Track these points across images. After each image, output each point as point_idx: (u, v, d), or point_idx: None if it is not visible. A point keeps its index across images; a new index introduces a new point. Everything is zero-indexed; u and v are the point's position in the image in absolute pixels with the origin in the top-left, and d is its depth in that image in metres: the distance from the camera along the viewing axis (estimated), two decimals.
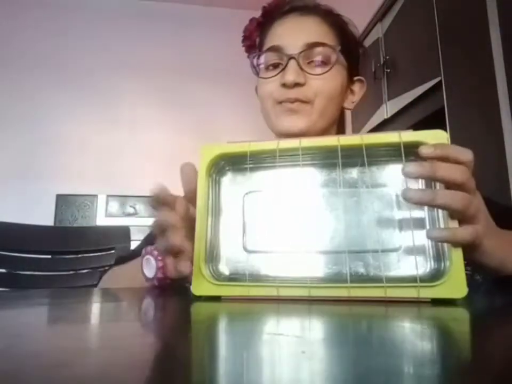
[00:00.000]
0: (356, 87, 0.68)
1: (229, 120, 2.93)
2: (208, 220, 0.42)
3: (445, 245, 0.35)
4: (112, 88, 2.89)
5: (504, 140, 1.04)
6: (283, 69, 0.59)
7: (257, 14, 0.69)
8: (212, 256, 0.42)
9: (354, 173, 0.42)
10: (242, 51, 0.71)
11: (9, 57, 2.77)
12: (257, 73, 0.64)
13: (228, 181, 0.45)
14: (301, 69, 0.59)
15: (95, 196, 2.62)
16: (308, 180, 0.43)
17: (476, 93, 1.17)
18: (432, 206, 0.35)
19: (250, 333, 0.25)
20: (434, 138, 0.37)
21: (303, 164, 0.42)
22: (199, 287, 0.38)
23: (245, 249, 0.42)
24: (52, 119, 2.77)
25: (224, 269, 0.42)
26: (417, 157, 0.37)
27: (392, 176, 0.41)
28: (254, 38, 0.67)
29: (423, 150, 0.35)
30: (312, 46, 0.59)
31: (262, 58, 0.63)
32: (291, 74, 0.58)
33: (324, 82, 0.59)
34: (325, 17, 0.63)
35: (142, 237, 0.71)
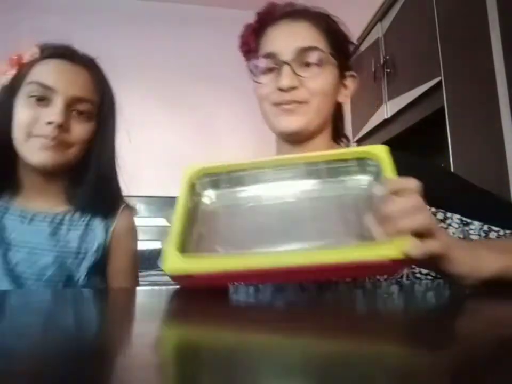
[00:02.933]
0: (349, 82, 0.71)
1: (230, 121, 2.93)
2: (186, 220, 0.45)
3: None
4: None
5: (504, 140, 1.04)
6: (277, 73, 0.64)
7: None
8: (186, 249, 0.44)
9: (316, 184, 0.48)
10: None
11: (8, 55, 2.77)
12: (254, 77, 0.69)
13: (211, 194, 0.52)
14: (295, 73, 0.63)
15: None
16: (279, 192, 0.48)
17: (476, 93, 1.17)
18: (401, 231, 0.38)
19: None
20: (378, 151, 0.45)
21: (272, 179, 0.49)
22: (169, 264, 0.39)
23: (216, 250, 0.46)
24: None
25: None
26: (364, 168, 0.47)
27: (349, 184, 0.48)
28: (251, 43, 0.71)
29: (379, 192, 0.42)
30: (304, 50, 0.63)
31: (259, 63, 0.67)
32: (286, 79, 0.62)
33: (317, 82, 0.64)
34: (315, 21, 0.66)
35: (142, 236, 0.73)
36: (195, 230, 0.47)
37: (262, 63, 0.67)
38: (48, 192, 0.76)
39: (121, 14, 3.05)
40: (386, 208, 0.39)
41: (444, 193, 0.56)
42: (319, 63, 0.64)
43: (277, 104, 0.65)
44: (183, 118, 2.95)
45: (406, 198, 0.39)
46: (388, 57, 1.73)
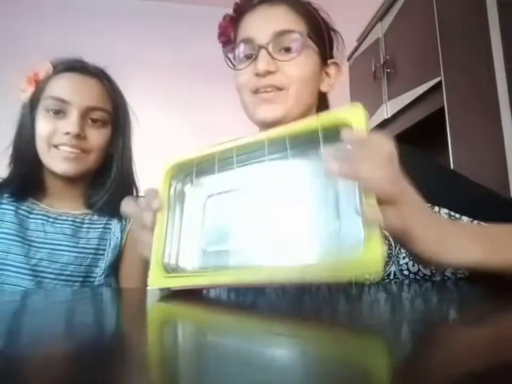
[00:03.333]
0: (332, 70, 0.68)
1: (230, 120, 2.93)
2: (168, 222, 0.47)
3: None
4: None
5: (504, 140, 1.04)
6: (255, 59, 0.61)
7: None
8: (173, 255, 0.46)
9: (301, 164, 0.42)
10: None
11: (11, 55, 2.77)
12: (233, 66, 0.67)
13: (190, 188, 0.50)
14: (272, 57, 0.60)
15: None
16: (256, 176, 0.45)
17: (476, 93, 1.17)
18: (355, 179, 0.33)
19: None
20: (352, 114, 0.37)
21: (247, 163, 0.45)
22: (155, 281, 0.44)
23: (202, 248, 0.46)
24: None
25: (185, 265, 0.47)
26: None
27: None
28: (229, 33, 0.69)
29: (345, 136, 0.35)
30: (280, 33, 0.61)
31: (236, 51, 0.65)
32: (262, 64, 0.60)
33: (296, 67, 0.61)
34: (293, 6, 0.64)
35: None
36: (182, 230, 0.48)
37: (240, 49, 0.65)
38: (70, 196, 0.81)
39: (120, 14, 3.05)
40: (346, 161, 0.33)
41: (431, 185, 0.51)
42: (298, 48, 0.61)
43: (255, 92, 0.62)
44: (182, 117, 2.95)
45: (370, 154, 0.33)
46: (388, 57, 1.73)
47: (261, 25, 0.63)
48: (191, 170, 0.49)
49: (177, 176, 0.50)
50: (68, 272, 0.74)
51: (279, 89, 0.61)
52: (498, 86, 1.06)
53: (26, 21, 2.86)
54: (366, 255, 0.31)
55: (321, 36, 0.66)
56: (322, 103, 0.71)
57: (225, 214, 0.45)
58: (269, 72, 0.60)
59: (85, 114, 0.76)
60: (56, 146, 0.75)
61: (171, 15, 3.11)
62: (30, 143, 0.77)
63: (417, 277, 0.52)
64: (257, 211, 0.42)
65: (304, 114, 0.64)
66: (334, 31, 0.69)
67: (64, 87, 0.76)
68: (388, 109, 1.73)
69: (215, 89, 2.97)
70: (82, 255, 0.76)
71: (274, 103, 0.61)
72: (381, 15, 1.80)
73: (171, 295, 0.44)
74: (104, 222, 0.81)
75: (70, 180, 0.80)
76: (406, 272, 0.53)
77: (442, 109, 1.31)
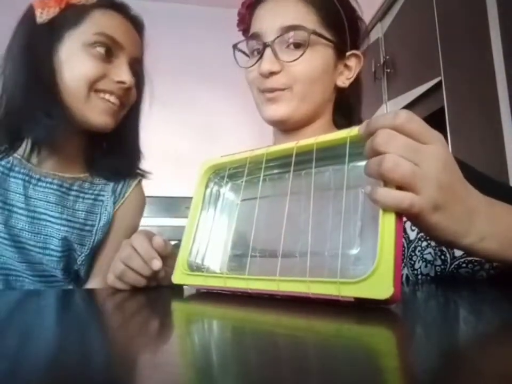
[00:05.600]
0: (352, 62, 0.63)
1: (228, 120, 2.93)
2: (200, 222, 0.48)
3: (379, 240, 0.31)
4: None
5: (504, 140, 1.04)
6: (260, 58, 0.59)
7: None
8: (200, 254, 0.48)
9: (327, 175, 0.42)
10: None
11: None
12: (241, 64, 0.64)
13: (226, 190, 0.51)
14: (276, 56, 0.58)
15: None
16: (284, 186, 0.43)
17: (475, 93, 1.17)
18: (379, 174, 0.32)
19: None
20: None
21: (277, 172, 0.46)
22: (178, 277, 0.45)
23: (228, 251, 0.47)
24: None
25: (210, 266, 0.48)
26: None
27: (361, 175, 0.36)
28: (247, 21, 0.66)
29: (360, 131, 0.35)
30: (287, 30, 0.58)
31: (247, 46, 0.64)
32: (265, 64, 0.58)
33: (302, 66, 0.58)
34: None
35: None
36: (212, 231, 0.49)
37: (249, 44, 0.62)
38: (65, 152, 0.69)
39: None
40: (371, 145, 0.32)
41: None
42: (304, 43, 0.57)
43: (261, 91, 0.61)
44: (181, 117, 2.95)
45: (395, 138, 0.31)
46: (387, 57, 1.73)
47: (269, 19, 0.60)
48: (228, 173, 0.50)
49: (215, 178, 0.51)
50: (52, 246, 0.64)
51: (282, 89, 0.59)
52: (498, 86, 1.06)
53: None
54: (375, 276, 0.30)
55: (339, 26, 0.61)
56: (343, 98, 0.66)
57: (251, 220, 0.44)
58: (272, 73, 0.58)
59: (131, 64, 0.67)
60: (97, 92, 0.63)
61: (171, 15, 3.11)
62: (44, 79, 0.61)
63: (428, 277, 0.52)
64: (281, 220, 0.41)
65: (314, 112, 0.62)
66: (359, 19, 0.64)
67: (116, 27, 0.64)
68: (387, 109, 1.73)
69: (213, 88, 2.97)
70: (65, 228, 0.65)
71: (279, 102, 0.59)
72: (381, 15, 1.80)
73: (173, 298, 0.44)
74: (96, 192, 0.71)
75: (77, 134, 0.68)
76: (420, 276, 0.52)
77: (442, 108, 1.31)
